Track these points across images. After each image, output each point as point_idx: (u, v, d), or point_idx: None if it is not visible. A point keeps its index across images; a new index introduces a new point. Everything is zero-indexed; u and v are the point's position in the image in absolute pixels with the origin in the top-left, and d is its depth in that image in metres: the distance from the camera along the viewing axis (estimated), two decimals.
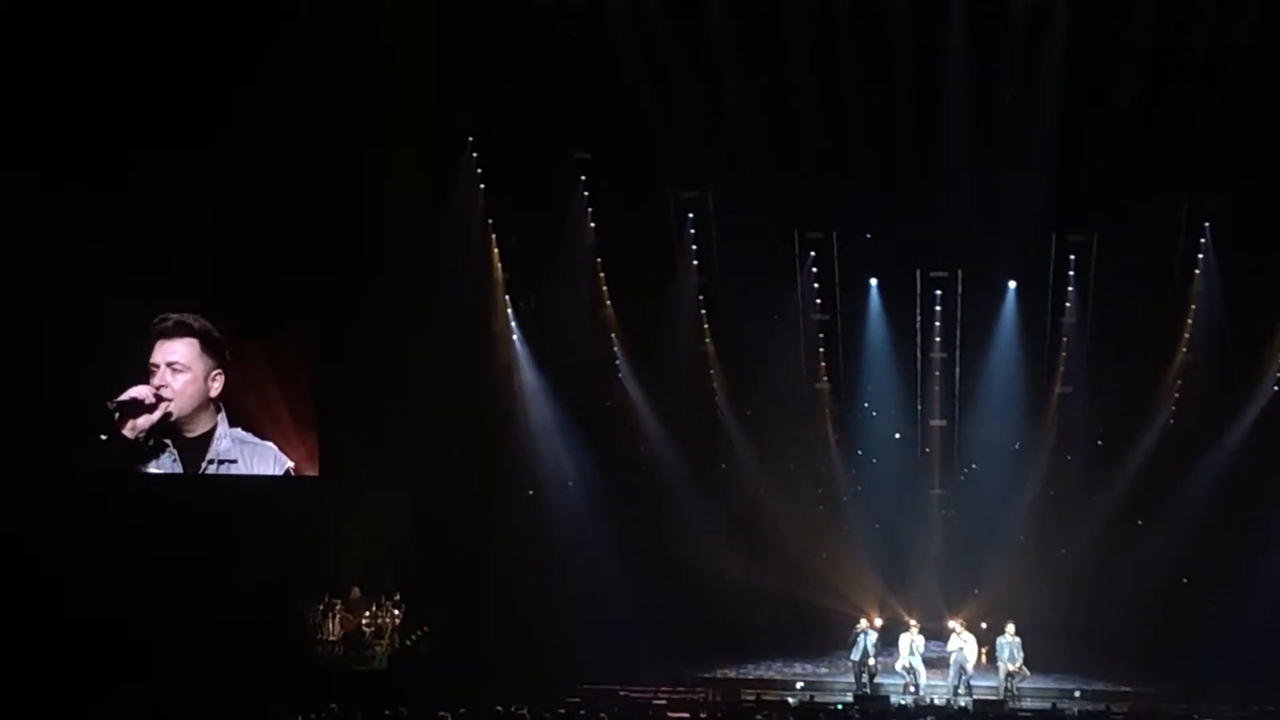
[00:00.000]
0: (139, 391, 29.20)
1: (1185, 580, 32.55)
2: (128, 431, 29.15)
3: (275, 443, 29.77)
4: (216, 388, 29.57)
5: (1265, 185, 30.45)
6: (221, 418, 29.66)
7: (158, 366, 29.38)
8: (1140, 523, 33.30)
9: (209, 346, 29.51)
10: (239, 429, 29.79)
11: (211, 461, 29.59)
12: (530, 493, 32.76)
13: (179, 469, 29.51)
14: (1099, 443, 33.89)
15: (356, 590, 29.98)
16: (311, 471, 29.94)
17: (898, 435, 34.87)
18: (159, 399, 29.20)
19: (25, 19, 27.64)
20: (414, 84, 29.82)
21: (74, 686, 24.73)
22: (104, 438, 29.29)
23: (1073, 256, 32.69)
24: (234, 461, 29.71)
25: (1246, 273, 31.65)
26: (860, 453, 35.10)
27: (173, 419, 29.38)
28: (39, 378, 28.58)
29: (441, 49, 29.93)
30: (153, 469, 29.53)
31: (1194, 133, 29.83)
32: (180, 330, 29.45)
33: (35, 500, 28.10)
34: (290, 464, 29.78)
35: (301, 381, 30.01)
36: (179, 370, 29.45)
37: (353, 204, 29.33)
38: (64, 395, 28.81)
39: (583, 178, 32.41)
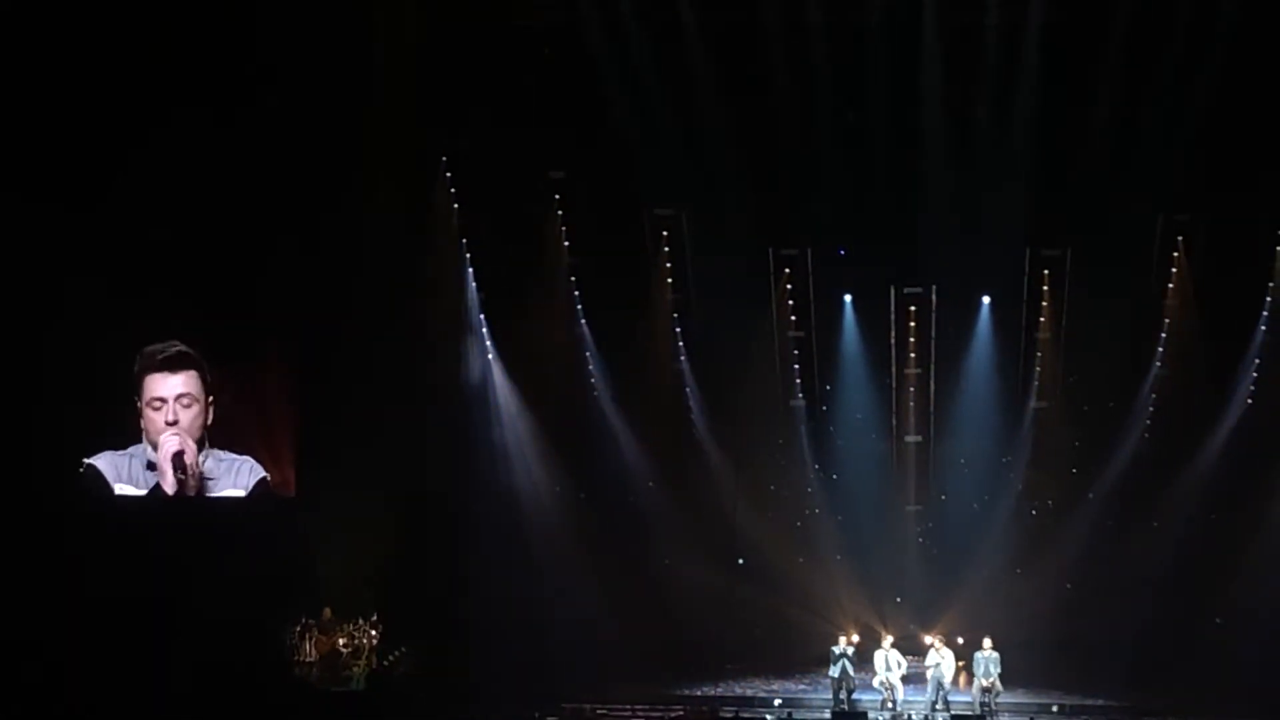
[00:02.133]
0: (173, 444, 29.11)
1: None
2: (175, 480, 29.14)
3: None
4: (210, 416, 29.47)
5: (1238, 199, 30.56)
6: (207, 440, 29.65)
7: (163, 401, 29.08)
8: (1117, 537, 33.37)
9: (204, 377, 29.35)
10: (217, 449, 29.73)
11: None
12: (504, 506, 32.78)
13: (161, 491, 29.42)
14: (1074, 458, 33.93)
15: (328, 611, 29.88)
16: (288, 493, 29.89)
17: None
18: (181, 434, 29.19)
19: None
20: (391, 104, 29.77)
21: (49, 710, 24.63)
22: (81, 468, 29.21)
23: (1047, 271, 32.79)
24: (214, 479, 29.60)
25: (1220, 286, 31.74)
26: (836, 469, 35.06)
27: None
28: (12, 404, 28.47)
29: (418, 69, 29.89)
30: (135, 490, 29.43)
31: (1168, 148, 30.03)
32: (184, 362, 29.14)
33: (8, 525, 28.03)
34: (265, 474, 29.66)
35: (278, 403, 29.93)
36: (188, 405, 29.17)
37: (329, 224, 29.30)
38: (38, 423, 28.63)
39: (558, 196, 32.44)
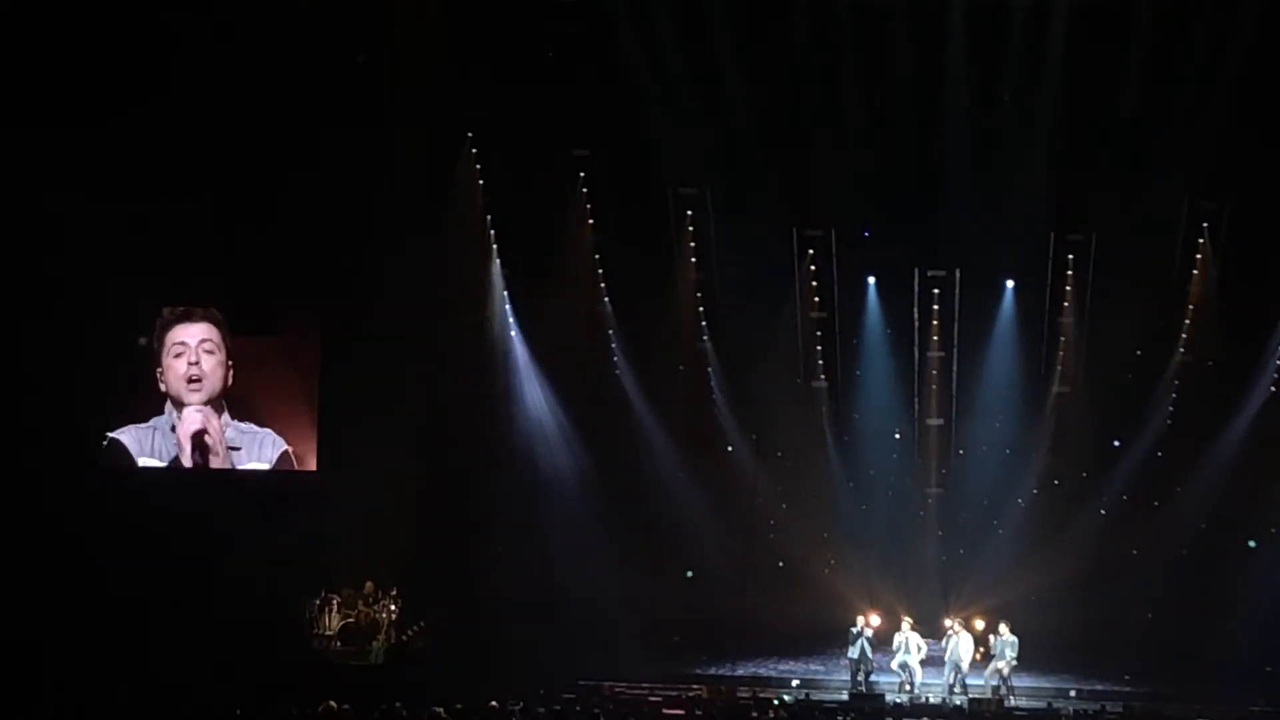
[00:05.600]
0: (195, 421, 29.38)
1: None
2: (194, 460, 29.43)
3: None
4: (230, 378, 29.71)
5: (1265, 186, 30.41)
6: (225, 407, 29.84)
7: (186, 346, 29.40)
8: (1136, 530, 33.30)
9: (223, 333, 29.68)
10: (238, 421, 29.93)
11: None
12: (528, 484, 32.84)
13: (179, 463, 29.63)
14: (1096, 444, 33.84)
15: (370, 584, 29.96)
16: (310, 466, 30.01)
17: (898, 434, 34.88)
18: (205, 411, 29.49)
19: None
20: (415, 79, 29.74)
21: (72, 680, 24.73)
22: (105, 442, 29.44)
23: (1071, 255, 32.66)
24: (239, 449, 29.84)
25: (1245, 273, 31.62)
26: (857, 451, 35.00)
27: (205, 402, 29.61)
28: (36, 377, 28.56)
29: (443, 43, 29.87)
30: (159, 462, 29.60)
31: (1194, 132, 29.85)
32: (203, 315, 29.59)
33: (35, 495, 28.14)
34: (287, 447, 29.83)
35: (301, 376, 30.07)
36: (210, 351, 29.59)
37: (353, 198, 29.33)
38: (61, 393, 28.74)
39: (582, 174, 32.41)
